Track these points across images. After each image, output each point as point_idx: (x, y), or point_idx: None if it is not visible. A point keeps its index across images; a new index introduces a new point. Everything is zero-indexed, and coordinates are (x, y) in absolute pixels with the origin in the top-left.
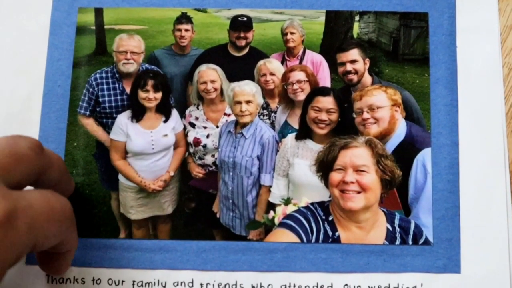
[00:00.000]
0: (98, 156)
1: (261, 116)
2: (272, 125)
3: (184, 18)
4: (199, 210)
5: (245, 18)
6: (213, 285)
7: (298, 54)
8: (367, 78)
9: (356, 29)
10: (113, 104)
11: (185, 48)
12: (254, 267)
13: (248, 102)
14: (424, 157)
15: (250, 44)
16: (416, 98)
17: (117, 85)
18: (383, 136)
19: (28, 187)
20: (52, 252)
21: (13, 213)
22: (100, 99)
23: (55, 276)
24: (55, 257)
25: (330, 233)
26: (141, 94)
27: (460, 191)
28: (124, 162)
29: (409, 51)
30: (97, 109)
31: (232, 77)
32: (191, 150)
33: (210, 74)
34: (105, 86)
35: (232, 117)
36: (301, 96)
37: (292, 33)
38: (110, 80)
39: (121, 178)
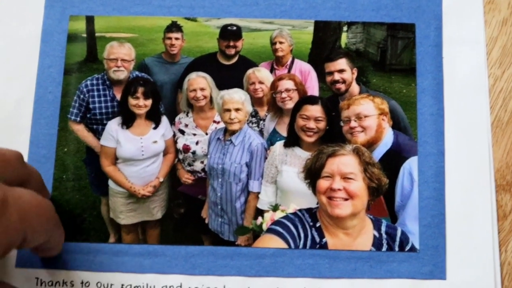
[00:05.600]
0: (88, 161)
1: (250, 124)
2: (261, 132)
3: (174, 27)
4: (188, 215)
5: (234, 27)
6: None
7: (286, 63)
8: (355, 87)
9: (344, 39)
10: (103, 110)
11: (175, 56)
12: (242, 272)
13: (237, 109)
14: (411, 165)
15: (240, 53)
16: (403, 107)
17: (107, 92)
18: (370, 145)
19: None
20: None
21: (5, 200)
22: (91, 106)
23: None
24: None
25: (318, 239)
26: (131, 101)
27: (446, 199)
28: (114, 168)
29: (396, 61)
30: (88, 115)
31: (221, 85)
32: (181, 156)
33: (200, 82)
34: (95, 93)
35: (222, 125)
36: (290, 105)
37: (281, 43)
38: (100, 87)
39: (111, 183)
